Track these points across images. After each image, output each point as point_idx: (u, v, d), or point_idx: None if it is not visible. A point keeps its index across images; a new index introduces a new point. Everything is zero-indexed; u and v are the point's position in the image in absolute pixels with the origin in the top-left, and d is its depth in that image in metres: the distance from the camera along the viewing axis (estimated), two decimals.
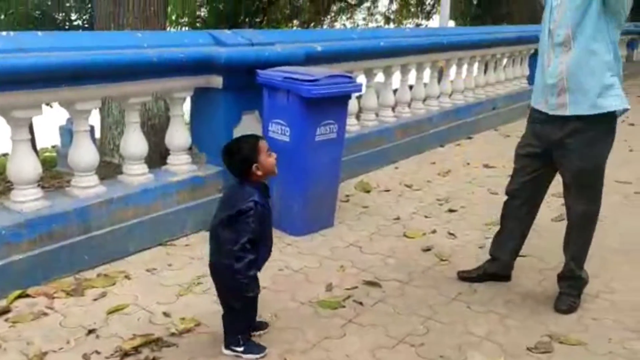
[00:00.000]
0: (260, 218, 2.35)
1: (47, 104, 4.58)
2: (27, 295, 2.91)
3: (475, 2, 19.35)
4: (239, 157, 2.42)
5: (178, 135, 3.77)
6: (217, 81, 3.77)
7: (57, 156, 7.41)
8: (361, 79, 4.99)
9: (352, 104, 4.85)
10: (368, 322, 2.82)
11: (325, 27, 19.61)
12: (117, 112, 4.69)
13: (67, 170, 5.85)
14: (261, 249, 2.42)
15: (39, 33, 3.05)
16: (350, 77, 3.89)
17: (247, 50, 3.83)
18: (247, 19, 12.85)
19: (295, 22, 17.20)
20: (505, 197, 3.22)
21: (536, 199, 3.13)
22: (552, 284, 3.13)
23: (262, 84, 3.78)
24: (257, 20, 13.42)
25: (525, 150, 3.05)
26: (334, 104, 3.72)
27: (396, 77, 5.80)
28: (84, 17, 10.65)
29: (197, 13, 13.01)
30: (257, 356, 2.50)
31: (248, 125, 4.03)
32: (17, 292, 2.89)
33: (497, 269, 3.24)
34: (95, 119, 4.37)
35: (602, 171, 2.91)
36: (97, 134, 5.31)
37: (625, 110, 2.82)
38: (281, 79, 3.64)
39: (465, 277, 3.28)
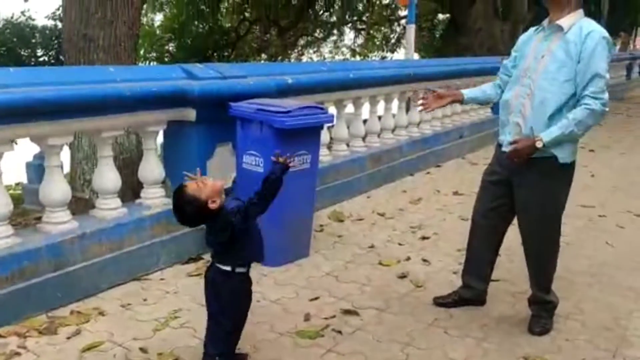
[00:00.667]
0: (244, 217, 2.37)
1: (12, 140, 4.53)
2: None
3: (437, 35, 19.92)
4: (192, 216, 2.40)
5: (151, 168, 3.76)
6: (190, 114, 3.79)
7: (24, 193, 7.26)
8: (331, 110, 5.07)
9: (324, 135, 4.91)
10: (348, 350, 2.83)
11: (292, 60, 19.90)
12: (87, 146, 4.65)
13: (35, 207, 5.74)
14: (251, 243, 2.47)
15: (11, 69, 3.04)
16: (321, 108, 3.96)
17: (219, 83, 3.87)
18: (215, 53, 12.95)
19: (263, 55, 17.42)
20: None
21: (503, 226, 3.20)
22: (525, 307, 3.19)
23: (235, 116, 3.82)
24: (225, 54, 13.53)
25: (491, 177, 3.15)
26: (306, 134, 3.78)
27: (365, 108, 5.91)
28: (50, 54, 10.64)
29: (166, 47, 13.06)
30: None
31: (222, 157, 4.06)
32: None
33: (471, 295, 3.30)
34: (63, 154, 4.32)
35: (557, 207, 2.99)
36: (66, 169, 5.25)
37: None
38: (254, 110, 3.69)
39: (441, 303, 3.32)
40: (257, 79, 4.17)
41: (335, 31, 19.77)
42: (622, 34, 33.57)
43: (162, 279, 3.59)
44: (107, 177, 3.51)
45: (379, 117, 6.20)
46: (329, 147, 5.42)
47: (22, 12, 12.79)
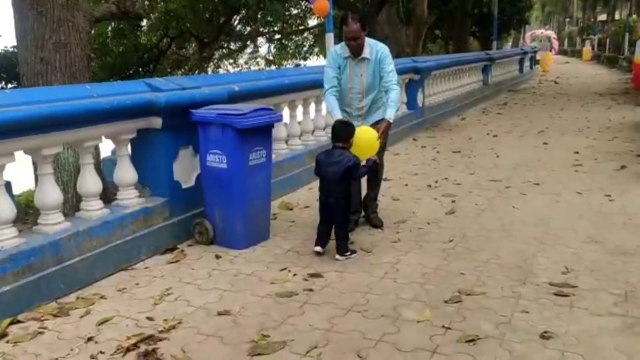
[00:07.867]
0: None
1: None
2: (18, 321, 3.25)
3: None
4: (351, 134, 4.21)
5: (127, 172, 4.23)
6: (157, 122, 4.30)
7: None
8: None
9: (282, 131, 5.52)
10: (320, 302, 3.47)
11: (210, 71, 20.27)
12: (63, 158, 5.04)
13: None
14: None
15: (7, 91, 3.45)
16: (271, 110, 4.59)
17: (181, 93, 4.40)
18: (140, 69, 13.20)
19: (182, 70, 17.73)
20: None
21: None
22: (449, 268, 3.96)
23: (197, 121, 4.36)
24: (147, 70, 13.79)
25: None
26: (261, 133, 4.38)
27: (299, 110, 6.58)
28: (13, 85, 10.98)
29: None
30: (357, 255, 4.17)
31: (185, 158, 4.58)
32: (9, 320, 3.22)
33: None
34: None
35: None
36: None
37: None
38: (215, 115, 4.25)
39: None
40: (211, 88, 4.73)
41: (249, 42, 20.34)
42: (513, 32, 36.31)
43: (146, 267, 4.07)
44: (91, 181, 3.96)
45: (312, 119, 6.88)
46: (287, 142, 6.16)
47: None
